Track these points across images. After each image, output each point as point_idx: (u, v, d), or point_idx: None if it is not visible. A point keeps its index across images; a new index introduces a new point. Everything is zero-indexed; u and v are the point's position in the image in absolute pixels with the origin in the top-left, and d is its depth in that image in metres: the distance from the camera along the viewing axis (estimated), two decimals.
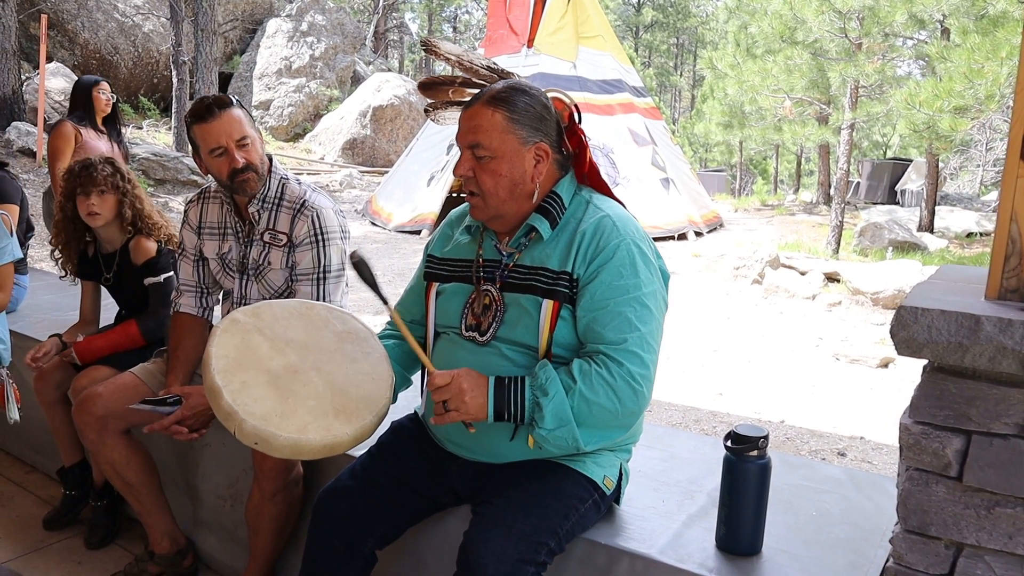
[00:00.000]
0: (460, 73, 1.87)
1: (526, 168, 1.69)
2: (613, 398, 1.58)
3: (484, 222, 1.79)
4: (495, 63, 1.86)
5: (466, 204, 1.83)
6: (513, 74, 1.83)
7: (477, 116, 1.69)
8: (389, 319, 2.06)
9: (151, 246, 2.78)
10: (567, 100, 1.79)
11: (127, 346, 2.75)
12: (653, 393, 1.65)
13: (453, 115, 1.91)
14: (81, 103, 4.66)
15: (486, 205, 1.72)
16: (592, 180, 1.81)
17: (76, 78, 6.86)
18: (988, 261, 1.40)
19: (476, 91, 1.80)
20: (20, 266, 3.62)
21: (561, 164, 1.76)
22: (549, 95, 1.76)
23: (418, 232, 11.27)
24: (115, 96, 4.83)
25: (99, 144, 4.58)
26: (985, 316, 1.26)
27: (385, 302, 1.74)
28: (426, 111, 2.00)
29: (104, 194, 2.73)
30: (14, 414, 2.80)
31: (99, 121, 4.69)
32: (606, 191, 1.81)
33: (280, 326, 1.85)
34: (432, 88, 1.93)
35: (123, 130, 5.03)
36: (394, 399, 1.85)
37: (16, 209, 3.69)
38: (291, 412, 1.68)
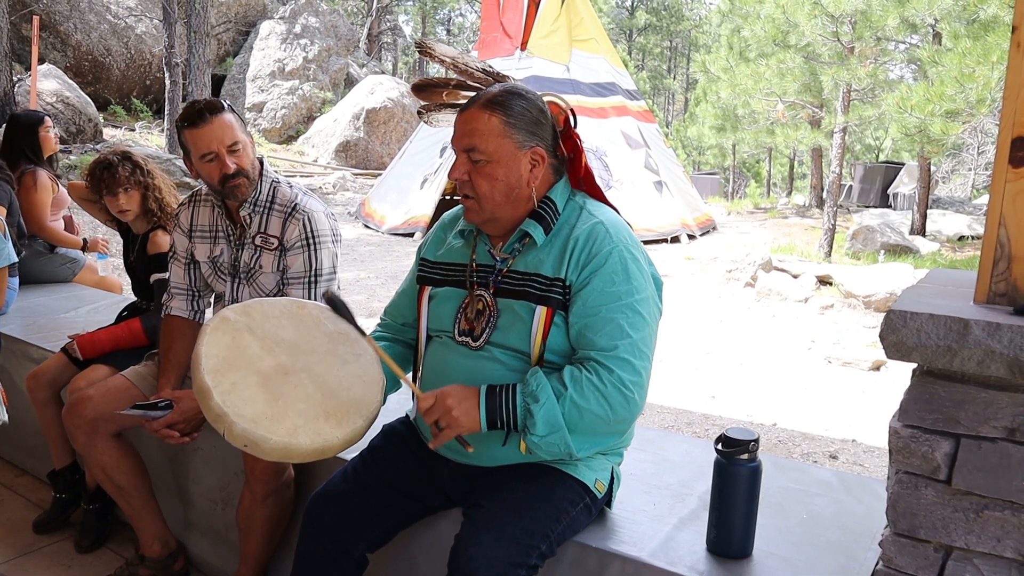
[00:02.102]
0: (455, 75, 1.87)
1: (522, 173, 1.69)
2: (604, 405, 1.57)
3: (478, 226, 1.78)
4: (490, 66, 1.85)
5: (459, 207, 1.82)
6: (508, 77, 1.83)
7: (473, 120, 1.68)
8: (380, 321, 2.07)
9: (165, 241, 2.82)
10: (563, 104, 1.79)
11: (129, 342, 2.78)
12: (646, 398, 1.65)
13: (447, 117, 1.91)
14: (26, 142, 4.05)
15: (481, 209, 1.72)
16: (587, 185, 1.81)
17: (69, 80, 6.51)
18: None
19: (470, 94, 1.79)
20: (10, 268, 3.60)
21: (556, 169, 1.76)
22: (545, 99, 1.76)
23: (411, 235, 11.26)
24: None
25: (61, 190, 4.15)
26: (974, 320, 1.26)
27: (363, 334, 1.78)
28: (419, 113, 1.99)
29: (129, 191, 2.85)
30: (2, 415, 2.79)
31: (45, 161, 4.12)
32: (600, 196, 1.81)
33: (271, 325, 1.84)
34: (426, 90, 1.93)
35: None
36: (383, 401, 1.84)
37: (3, 212, 3.67)
38: (281, 415, 1.67)
